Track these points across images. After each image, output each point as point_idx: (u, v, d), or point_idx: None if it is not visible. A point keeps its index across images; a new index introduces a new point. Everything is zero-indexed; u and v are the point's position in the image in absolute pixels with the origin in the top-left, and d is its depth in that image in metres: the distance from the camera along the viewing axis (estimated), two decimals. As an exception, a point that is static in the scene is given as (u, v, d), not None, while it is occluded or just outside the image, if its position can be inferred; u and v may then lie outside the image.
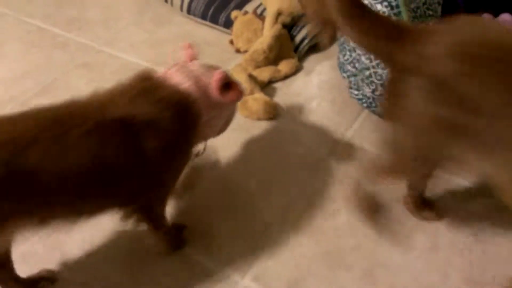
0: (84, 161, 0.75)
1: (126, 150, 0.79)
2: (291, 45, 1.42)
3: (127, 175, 0.80)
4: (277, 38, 1.38)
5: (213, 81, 0.85)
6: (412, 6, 1.06)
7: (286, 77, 1.38)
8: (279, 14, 1.41)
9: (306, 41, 1.43)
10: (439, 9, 1.16)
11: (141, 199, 0.86)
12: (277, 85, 1.37)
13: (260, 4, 1.51)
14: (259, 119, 1.24)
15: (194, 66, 0.90)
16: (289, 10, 1.42)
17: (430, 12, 1.13)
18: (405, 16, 1.00)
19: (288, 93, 1.34)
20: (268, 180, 1.11)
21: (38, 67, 1.51)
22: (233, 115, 1.00)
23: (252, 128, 1.23)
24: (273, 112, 1.25)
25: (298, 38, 1.43)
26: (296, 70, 1.40)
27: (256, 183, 1.10)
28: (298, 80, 1.39)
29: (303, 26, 1.43)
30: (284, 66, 1.38)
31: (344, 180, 1.08)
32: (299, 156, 1.15)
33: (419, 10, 1.09)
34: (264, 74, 1.35)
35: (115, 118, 0.77)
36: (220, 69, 0.89)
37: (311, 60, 1.45)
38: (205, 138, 0.97)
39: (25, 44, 1.62)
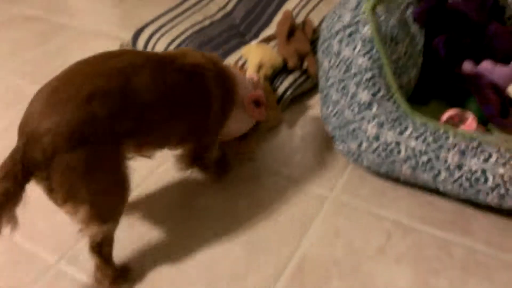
0: (176, 90, 0.91)
1: (200, 89, 0.96)
2: (274, 97, 1.40)
3: (195, 110, 0.97)
4: (259, 91, 1.35)
5: (250, 94, 1.07)
6: (394, 57, 1.04)
7: (269, 129, 1.35)
8: (260, 66, 1.40)
9: (288, 92, 1.41)
10: (420, 58, 1.15)
11: (193, 139, 1.03)
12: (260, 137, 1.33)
13: (242, 57, 1.51)
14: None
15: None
16: (271, 62, 1.41)
17: (412, 61, 1.12)
18: (387, 69, 0.99)
19: (272, 145, 1.31)
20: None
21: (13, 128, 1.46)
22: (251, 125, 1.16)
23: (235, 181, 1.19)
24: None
25: (280, 90, 1.41)
26: (279, 122, 1.37)
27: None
28: (282, 132, 1.35)
29: (285, 78, 1.42)
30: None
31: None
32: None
33: (400, 61, 1.08)
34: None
35: (194, 63, 0.95)
36: (260, 90, 1.11)
37: (295, 111, 1.42)
38: (229, 131, 1.11)
39: (3, 103, 1.58)
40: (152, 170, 1.24)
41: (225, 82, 1.01)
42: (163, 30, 1.67)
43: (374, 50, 0.97)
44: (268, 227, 1.05)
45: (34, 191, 1.16)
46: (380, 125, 0.96)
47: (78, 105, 0.78)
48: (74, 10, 2.23)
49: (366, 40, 0.98)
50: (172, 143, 1.00)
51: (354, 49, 0.99)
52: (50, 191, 0.81)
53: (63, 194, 0.81)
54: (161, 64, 0.90)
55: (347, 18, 1.03)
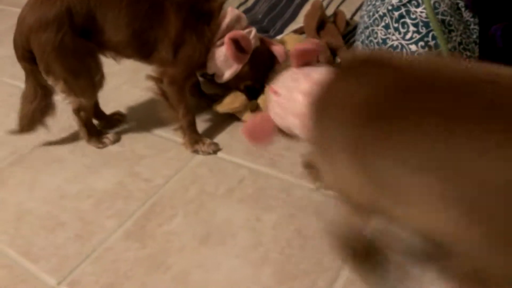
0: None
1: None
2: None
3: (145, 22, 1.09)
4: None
5: (231, 32, 1.10)
6: (449, 46, 0.88)
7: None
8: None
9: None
10: (476, 48, 0.98)
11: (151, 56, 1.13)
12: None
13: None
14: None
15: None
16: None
17: (468, 53, 0.95)
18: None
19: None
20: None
21: (16, 134, 1.33)
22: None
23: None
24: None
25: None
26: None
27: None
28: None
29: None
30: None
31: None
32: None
33: (456, 51, 0.91)
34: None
35: None
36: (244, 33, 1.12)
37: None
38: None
39: (5, 108, 1.46)
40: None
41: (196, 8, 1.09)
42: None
43: (430, 36, 0.81)
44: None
45: (34, 209, 1.02)
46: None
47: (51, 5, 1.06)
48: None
49: (420, 24, 0.82)
50: (127, 52, 1.14)
51: (405, 34, 0.83)
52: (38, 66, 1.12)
53: (44, 68, 1.11)
54: None
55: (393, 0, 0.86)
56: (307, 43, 0.79)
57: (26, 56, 1.12)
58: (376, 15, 0.90)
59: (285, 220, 0.95)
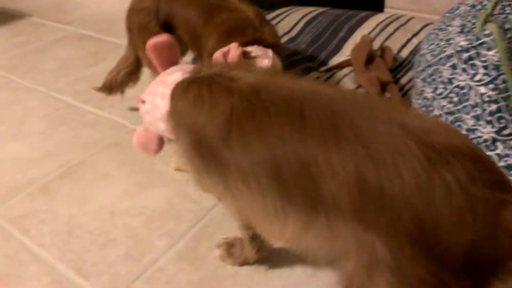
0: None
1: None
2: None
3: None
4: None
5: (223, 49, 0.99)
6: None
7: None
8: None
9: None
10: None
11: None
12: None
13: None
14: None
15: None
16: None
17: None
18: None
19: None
20: None
21: (63, 147, 1.36)
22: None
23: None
24: None
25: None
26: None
27: None
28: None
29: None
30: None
31: None
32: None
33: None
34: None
35: None
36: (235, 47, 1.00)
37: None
38: None
39: (52, 121, 1.49)
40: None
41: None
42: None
43: (500, 79, 0.82)
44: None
45: (85, 224, 1.03)
46: (509, 168, 0.80)
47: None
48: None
49: (490, 67, 0.83)
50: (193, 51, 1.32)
51: (474, 76, 0.84)
52: None
53: (131, 40, 1.38)
54: None
55: (462, 41, 0.88)
56: (160, 36, 0.84)
57: (129, 28, 1.36)
58: (442, 55, 0.92)
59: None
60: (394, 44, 1.50)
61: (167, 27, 1.28)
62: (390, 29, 1.56)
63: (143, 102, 0.84)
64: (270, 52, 1.00)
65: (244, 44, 1.00)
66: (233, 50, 0.94)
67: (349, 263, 0.61)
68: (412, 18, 1.61)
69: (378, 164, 0.55)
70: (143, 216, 1.08)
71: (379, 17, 1.63)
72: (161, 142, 0.87)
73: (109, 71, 1.45)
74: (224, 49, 0.95)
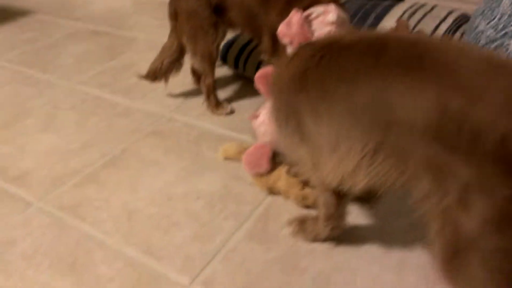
0: None
1: None
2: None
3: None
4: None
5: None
6: None
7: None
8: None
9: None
10: None
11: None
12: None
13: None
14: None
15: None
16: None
17: None
18: None
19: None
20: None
21: (101, 137, 1.32)
22: None
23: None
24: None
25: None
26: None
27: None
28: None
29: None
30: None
31: None
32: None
33: None
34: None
35: None
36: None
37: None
38: None
39: (81, 113, 1.44)
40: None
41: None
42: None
43: None
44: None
45: (142, 210, 1.01)
46: None
47: None
48: (139, 25, 2.13)
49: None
50: (246, 32, 1.32)
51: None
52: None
53: (179, 26, 1.34)
54: None
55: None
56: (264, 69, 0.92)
57: (173, 15, 1.34)
58: (507, 30, 0.93)
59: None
60: (424, 30, 1.52)
61: (217, 10, 1.26)
62: (417, 16, 1.58)
63: (256, 117, 0.85)
64: (331, 6, 1.00)
65: (304, 8, 1.00)
66: (295, 16, 0.93)
67: (421, 185, 0.62)
68: (436, 5, 1.64)
69: (463, 91, 0.57)
70: (202, 200, 1.06)
71: (404, 5, 1.66)
72: (271, 157, 0.96)
73: (152, 61, 1.43)
74: (286, 19, 0.95)
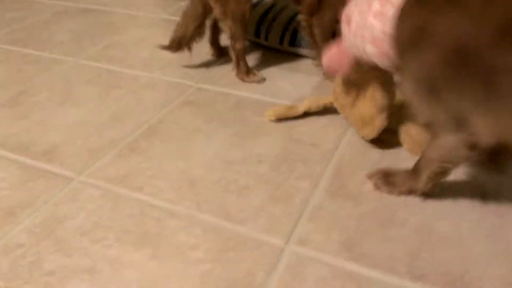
0: None
1: None
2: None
3: None
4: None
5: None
6: None
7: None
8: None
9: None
10: None
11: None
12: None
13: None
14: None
15: None
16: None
17: None
18: None
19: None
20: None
21: (131, 109, 1.20)
22: None
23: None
24: None
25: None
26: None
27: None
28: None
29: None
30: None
31: None
32: None
33: None
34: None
35: None
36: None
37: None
38: None
39: (100, 86, 1.31)
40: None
41: None
42: None
43: None
44: None
45: (204, 176, 0.94)
46: None
47: None
48: (136, 4, 2.00)
49: None
50: None
51: None
52: None
53: None
54: None
55: None
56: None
57: None
58: None
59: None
60: None
61: None
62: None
63: (349, 21, 0.77)
64: None
65: None
66: None
67: None
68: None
69: None
70: (265, 163, 0.98)
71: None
72: (350, 63, 0.86)
73: (174, 28, 1.32)
74: None
